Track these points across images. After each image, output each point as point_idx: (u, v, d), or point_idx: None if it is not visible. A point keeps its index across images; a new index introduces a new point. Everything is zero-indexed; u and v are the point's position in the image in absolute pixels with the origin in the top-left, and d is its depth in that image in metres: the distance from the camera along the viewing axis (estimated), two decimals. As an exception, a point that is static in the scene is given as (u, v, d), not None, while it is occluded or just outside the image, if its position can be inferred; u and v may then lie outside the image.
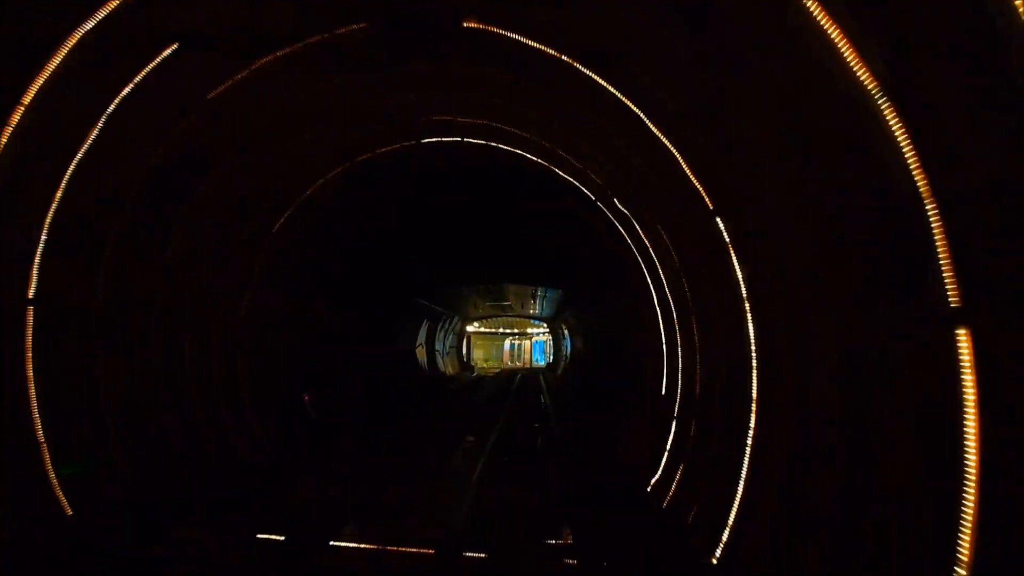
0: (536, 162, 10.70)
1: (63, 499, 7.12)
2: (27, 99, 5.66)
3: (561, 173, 10.52)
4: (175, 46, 6.47)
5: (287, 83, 7.96)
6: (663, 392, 9.86)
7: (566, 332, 36.45)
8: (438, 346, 37.66)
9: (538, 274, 21.43)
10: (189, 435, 10.62)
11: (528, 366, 58.01)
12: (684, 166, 6.27)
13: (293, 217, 12.40)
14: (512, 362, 60.02)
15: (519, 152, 10.66)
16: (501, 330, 59.24)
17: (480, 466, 13.36)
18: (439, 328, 37.36)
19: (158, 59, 6.49)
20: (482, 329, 57.54)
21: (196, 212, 9.46)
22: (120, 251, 8.15)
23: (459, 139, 10.92)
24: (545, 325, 50.08)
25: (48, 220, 6.69)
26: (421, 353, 32.68)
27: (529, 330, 59.25)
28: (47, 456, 6.99)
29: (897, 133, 3.27)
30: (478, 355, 57.88)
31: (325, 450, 14.19)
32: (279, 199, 11.47)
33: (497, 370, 52.02)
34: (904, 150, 3.24)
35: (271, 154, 9.63)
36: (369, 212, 14.69)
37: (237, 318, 12.10)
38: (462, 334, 49.04)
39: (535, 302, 33.39)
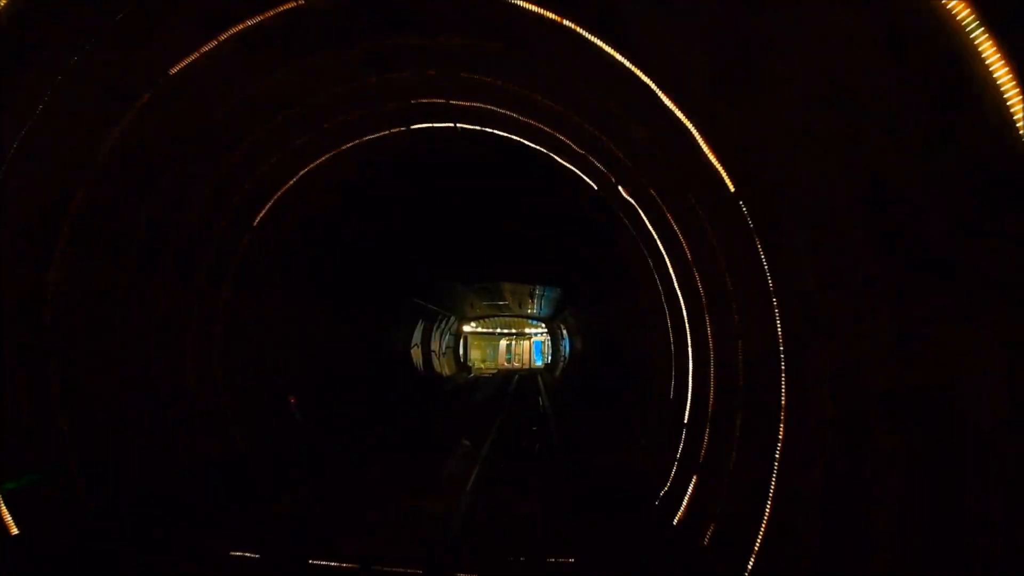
0: (534, 148, 9.97)
1: (6, 516, 6.37)
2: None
3: (561, 161, 9.80)
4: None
5: (256, 59, 7.22)
6: (671, 395, 9.14)
7: (565, 332, 35.72)
8: (434, 346, 36.89)
9: (536, 272, 20.66)
10: (161, 442, 9.87)
11: (526, 367, 57.30)
12: (702, 144, 5.55)
13: (275, 211, 11.65)
14: (510, 363, 59.26)
15: (516, 138, 9.93)
16: (499, 330, 58.53)
17: (475, 473, 12.63)
18: (435, 328, 36.59)
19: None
20: (479, 329, 56.82)
21: (162, 201, 8.73)
22: (75, 240, 7.42)
23: (452, 124, 10.19)
24: (543, 325, 49.36)
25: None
26: (417, 353, 31.92)
27: (527, 330, 58.55)
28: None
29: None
30: (475, 356, 57.17)
31: (312, 456, 13.44)
32: (257, 191, 10.72)
33: (494, 371, 51.30)
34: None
35: (244, 142, 8.88)
36: (358, 206, 13.95)
37: (213, 316, 11.34)
38: (459, 334, 48.26)
39: (533, 301, 32.66)
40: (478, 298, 33.65)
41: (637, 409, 12.45)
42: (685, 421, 8.27)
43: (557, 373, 38.43)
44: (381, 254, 18.86)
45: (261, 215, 11.26)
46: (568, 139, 8.92)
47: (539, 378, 41.36)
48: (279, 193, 11.12)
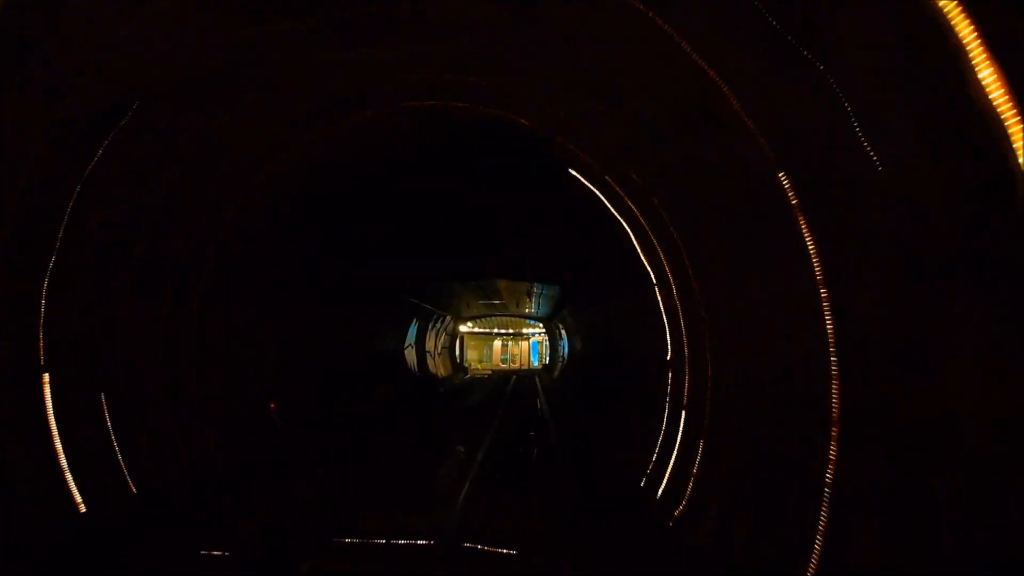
0: (532, 129, 9.04)
1: None
2: None
3: (561, 142, 8.87)
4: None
5: (208, 27, 6.26)
6: (685, 400, 8.21)
7: (563, 332, 34.80)
8: (429, 346, 35.93)
9: (533, 268, 19.71)
10: (127, 451, 8.90)
11: (523, 367, 56.39)
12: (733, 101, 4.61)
13: (251, 203, 10.70)
14: (507, 363, 58.32)
15: (514, 118, 9.00)
16: (496, 330, 57.62)
17: (468, 483, 11.70)
18: (430, 328, 35.63)
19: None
20: (476, 329, 55.90)
21: (119, 191, 7.77)
22: (16, 234, 6.49)
23: (442, 102, 9.25)
24: (541, 325, 48.45)
25: None
26: (411, 354, 30.96)
27: (525, 330, 57.64)
28: None
29: None
30: (472, 356, 56.24)
31: (295, 465, 12.49)
32: (228, 182, 9.76)
33: (491, 372, 50.39)
34: None
35: (205, 125, 7.90)
36: (344, 197, 13.00)
37: (185, 317, 10.39)
38: (455, 334, 47.31)
39: (531, 300, 31.72)
40: (474, 297, 32.68)
41: (643, 415, 11.53)
42: (707, 432, 7.34)
43: (555, 374, 37.52)
44: (371, 250, 17.91)
45: (233, 210, 10.30)
46: (570, 118, 7.98)
47: (537, 379, 40.42)
48: (252, 184, 10.16)
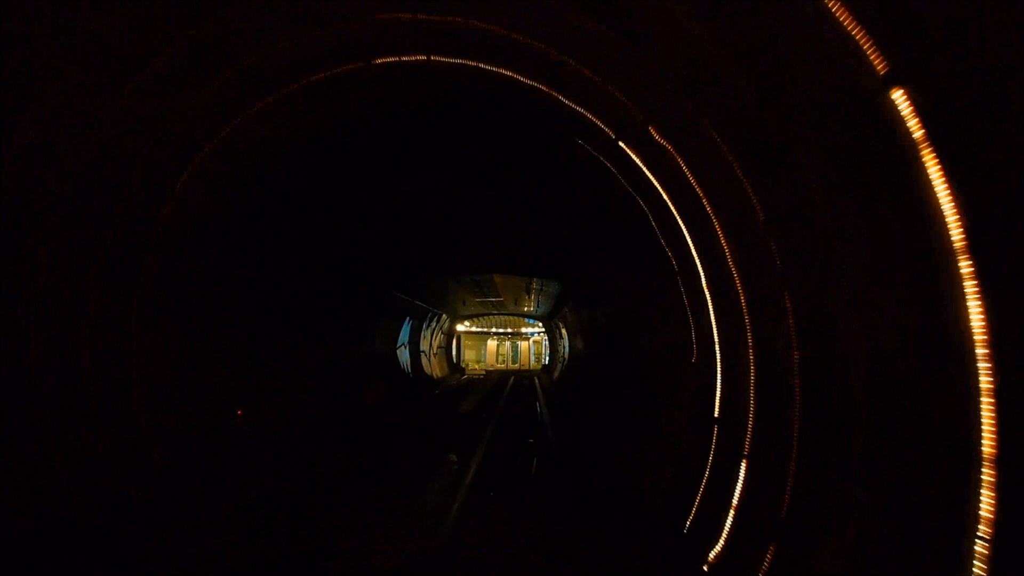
0: (535, 88, 7.55)
1: None
2: None
3: (569, 104, 7.38)
4: None
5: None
6: (717, 412, 6.73)
7: (563, 332, 33.31)
8: (423, 346, 34.42)
9: (533, 261, 18.16)
10: (37, 465, 7.41)
11: (522, 368, 55.01)
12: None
13: (204, 175, 9.21)
14: (505, 363, 56.86)
15: (512, 75, 7.52)
16: (494, 330, 56.19)
17: (458, 504, 10.24)
18: (425, 326, 34.13)
19: None
20: (474, 329, 54.49)
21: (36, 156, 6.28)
22: None
23: (425, 57, 7.77)
24: (540, 325, 46.99)
25: None
26: (404, 354, 29.47)
27: (523, 330, 56.23)
28: None
29: None
30: (469, 356, 54.80)
31: (265, 477, 11.00)
32: (173, 149, 8.27)
33: (486, 373, 48.96)
34: None
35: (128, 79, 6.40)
36: (315, 175, 11.50)
37: (127, 305, 8.89)
38: (452, 334, 45.80)
39: (530, 297, 30.22)
40: (471, 294, 31.17)
41: (656, 421, 10.05)
42: (745, 452, 5.85)
43: (555, 375, 36.05)
44: (357, 241, 16.40)
45: (181, 182, 8.80)
46: (580, 64, 6.49)
47: (536, 380, 38.96)
48: (206, 151, 8.67)
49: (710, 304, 6.78)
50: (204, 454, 10.37)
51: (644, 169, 7.00)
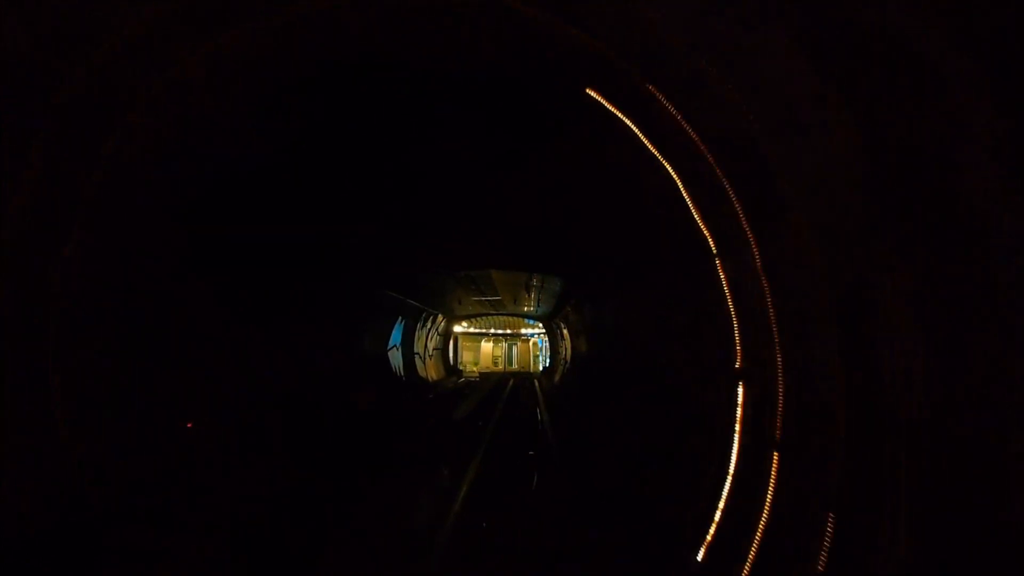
0: (531, 19, 5.92)
1: None
2: None
3: (576, 33, 5.75)
4: None
5: None
6: (778, 434, 5.10)
7: (565, 332, 31.66)
8: (418, 348, 32.76)
9: (532, 255, 16.49)
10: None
11: (521, 370, 53.39)
12: None
13: (145, 133, 7.55)
14: (504, 365, 55.20)
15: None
16: (492, 331, 54.55)
17: (447, 533, 8.64)
18: (419, 327, 32.47)
19: None
20: (471, 330, 52.86)
21: None
22: None
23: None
24: (540, 325, 45.36)
25: None
26: (396, 356, 27.81)
27: (523, 331, 54.60)
28: None
29: None
30: (467, 358, 53.15)
31: (221, 500, 9.35)
32: (99, 96, 6.62)
33: (488, 374, 47.32)
34: None
35: None
36: (290, 148, 9.85)
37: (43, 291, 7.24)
38: (449, 335, 44.11)
39: (529, 296, 28.57)
40: (467, 293, 29.51)
41: (680, 440, 8.42)
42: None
43: (556, 378, 34.41)
44: (339, 233, 14.72)
45: (112, 141, 7.14)
46: None
47: (536, 384, 37.32)
48: (145, 101, 7.01)
49: (768, 294, 5.16)
50: (151, 465, 8.68)
51: (679, 118, 5.37)
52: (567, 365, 31.87)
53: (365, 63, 7.18)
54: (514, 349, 56.20)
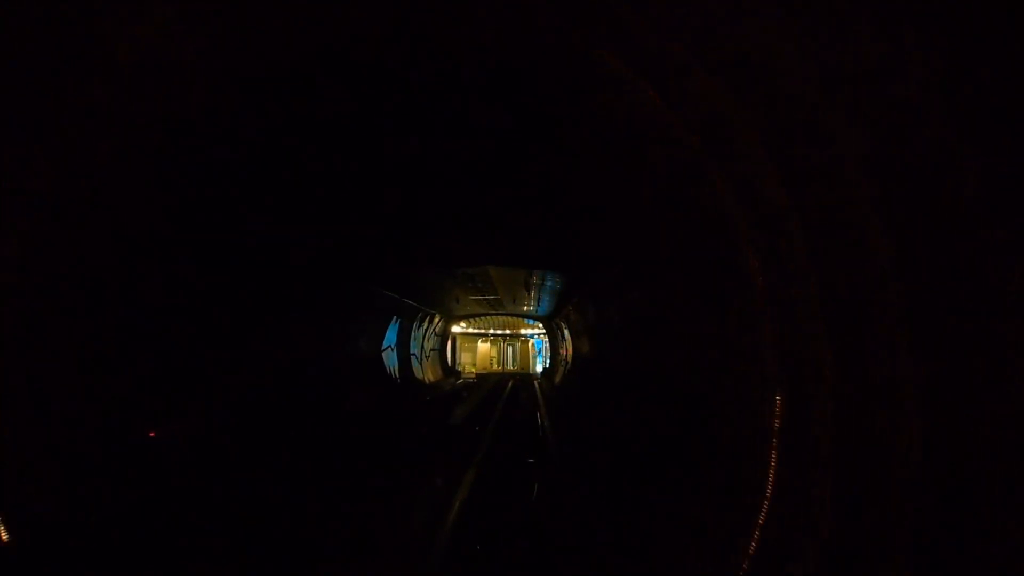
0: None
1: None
2: None
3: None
4: None
5: None
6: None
7: (566, 332, 30.75)
8: (414, 348, 31.82)
9: (532, 249, 15.54)
10: None
11: (521, 371, 52.50)
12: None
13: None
14: (503, 366, 54.29)
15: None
16: (491, 331, 53.64)
17: (438, 556, 7.72)
18: (416, 327, 31.55)
19: None
20: (470, 330, 51.96)
21: None
22: None
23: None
24: (540, 325, 44.44)
25: None
26: (391, 357, 26.88)
27: (523, 331, 53.69)
28: None
29: None
30: (465, 359, 52.24)
31: (182, 523, 8.41)
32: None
33: (487, 376, 46.41)
34: None
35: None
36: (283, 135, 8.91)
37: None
38: (447, 335, 43.18)
39: (529, 294, 27.64)
40: (464, 292, 28.59)
41: (702, 463, 7.49)
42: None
43: (556, 380, 33.50)
44: (329, 226, 13.80)
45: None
46: None
47: (536, 386, 36.43)
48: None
49: (813, 284, 4.23)
50: (90, 494, 7.72)
51: (698, 71, 4.44)
52: (568, 366, 30.95)
53: (350, 49, 6.26)
54: (512, 349, 55.27)
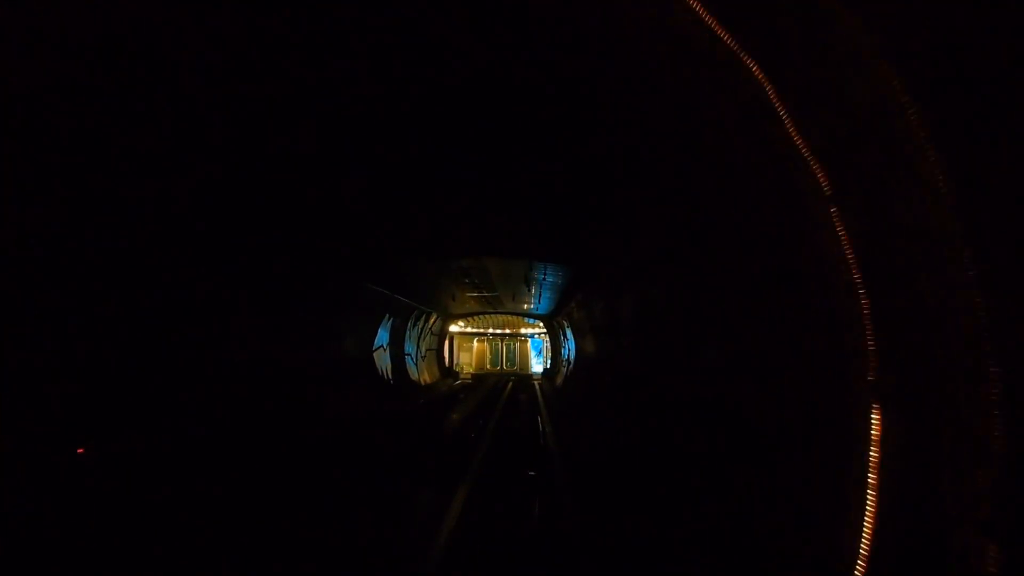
0: None
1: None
2: None
3: None
4: None
5: None
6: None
7: (568, 331, 29.28)
8: (409, 348, 30.32)
9: (533, 238, 14.06)
10: None
11: (523, 372, 51.04)
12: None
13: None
14: (502, 367, 52.79)
15: None
16: (490, 331, 52.13)
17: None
18: (410, 326, 30.05)
19: None
20: (468, 329, 50.47)
21: None
22: None
23: None
24: (541, 324, 42.98)
25: None
26: (383, 358, 25.39)
27: (523, 331, 52.19)
28: None
29: None
30: (464, 359, 50.76)
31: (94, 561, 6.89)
32: None
33: (485, 377, 44.97)
34: None
35: None
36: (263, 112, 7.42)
37: None
38: (444, 334, 41.65)
39: (530, 291, 26.16)
40: (461, 288, 27.08)
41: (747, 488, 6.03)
42: None
43: (558, 382, 32.04)
44: (317, 215, 12.28)
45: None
46: None
47: (537, 388, 34.99)
48: None
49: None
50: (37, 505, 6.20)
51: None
52: (570, 367, 29.49)
53: None
54: (512, 349, 53.76)
